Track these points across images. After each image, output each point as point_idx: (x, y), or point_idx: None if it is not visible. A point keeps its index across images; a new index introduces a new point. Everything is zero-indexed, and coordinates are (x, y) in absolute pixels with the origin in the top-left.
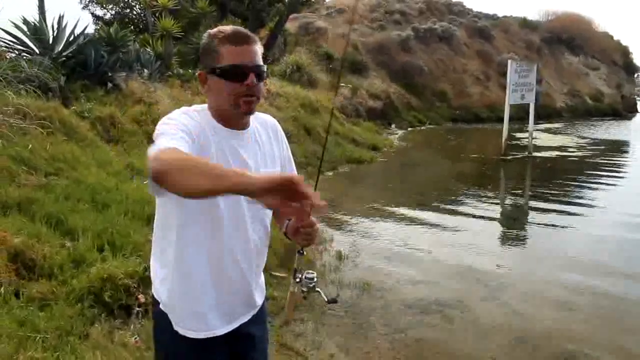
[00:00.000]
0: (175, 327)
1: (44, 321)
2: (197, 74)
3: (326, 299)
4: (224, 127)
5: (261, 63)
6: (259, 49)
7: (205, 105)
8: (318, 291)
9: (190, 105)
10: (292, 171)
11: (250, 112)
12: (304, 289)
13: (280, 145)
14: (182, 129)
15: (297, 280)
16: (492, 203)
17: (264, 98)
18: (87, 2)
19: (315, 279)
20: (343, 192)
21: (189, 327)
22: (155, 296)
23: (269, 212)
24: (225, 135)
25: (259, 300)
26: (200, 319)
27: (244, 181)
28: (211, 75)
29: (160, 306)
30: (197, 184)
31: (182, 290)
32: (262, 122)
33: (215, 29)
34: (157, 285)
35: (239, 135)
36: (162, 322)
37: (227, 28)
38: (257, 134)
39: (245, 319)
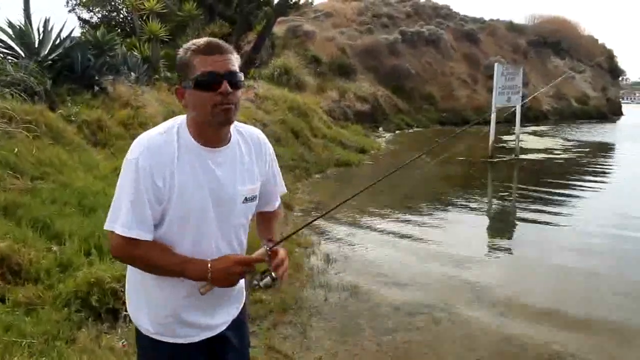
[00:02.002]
0: (154, 333)
1: (31, 326)
2: (175, 89)
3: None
4: (200, 145)
5: (236, 71)
6: (234, 58)
7: (184, 119)
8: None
9: (176, 108)
10: (277, 185)
11: (229, 120)
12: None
13: (263, 160)
14: (139, 201)
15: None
16: (479, 205)
17: (254, 104)
18: (73, 5)
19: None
20: (331, 195)
21: (165, 333)
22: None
23: (244, 223)
24: (199, 154)
25: (236, 307)
26: (177, 325)
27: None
28: (187, 89)
29: (139, 311)
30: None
31: (157, 296)
32: (246, 135)
33: (189, 43)
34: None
35: (215, 152)
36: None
37: (201, 40)
38: (237, 150)
39: (223, 326)
